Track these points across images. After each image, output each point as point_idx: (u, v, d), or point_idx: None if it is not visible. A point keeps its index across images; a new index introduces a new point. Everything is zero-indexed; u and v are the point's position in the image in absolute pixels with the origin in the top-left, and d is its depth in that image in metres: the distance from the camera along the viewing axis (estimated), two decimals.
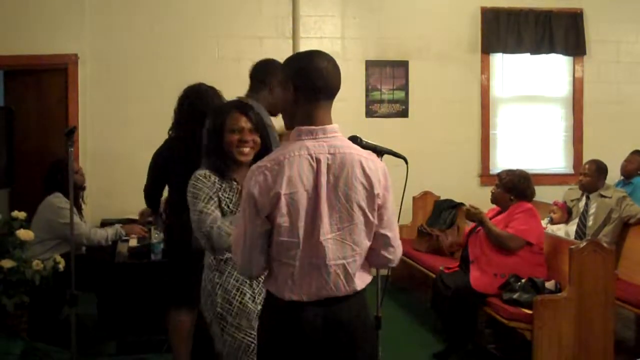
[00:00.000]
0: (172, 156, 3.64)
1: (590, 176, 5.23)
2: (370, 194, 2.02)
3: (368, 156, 2.07)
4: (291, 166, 1.97)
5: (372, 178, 2.02)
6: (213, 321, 2.63)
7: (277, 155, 2.02)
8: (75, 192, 4.75)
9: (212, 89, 3.75)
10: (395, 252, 2.14)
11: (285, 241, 2.00)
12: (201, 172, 2.62)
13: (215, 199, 2.55)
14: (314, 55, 2.09)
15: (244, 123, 2.67)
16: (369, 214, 2.03)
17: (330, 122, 2.06)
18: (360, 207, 2.01)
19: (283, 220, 1.97)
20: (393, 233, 2.12)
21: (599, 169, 5.25)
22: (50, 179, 4.81)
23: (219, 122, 2.69)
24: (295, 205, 1.97)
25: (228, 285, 2.57)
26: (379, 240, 2.10)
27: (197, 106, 3.58)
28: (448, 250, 5.58)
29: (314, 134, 2.02)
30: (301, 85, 2.04)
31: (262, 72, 3.52)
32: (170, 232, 3.78)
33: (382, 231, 2.09)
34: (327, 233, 1.99)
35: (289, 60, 2.13)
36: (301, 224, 1.98)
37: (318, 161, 1.99)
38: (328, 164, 1.99)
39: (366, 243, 2.07)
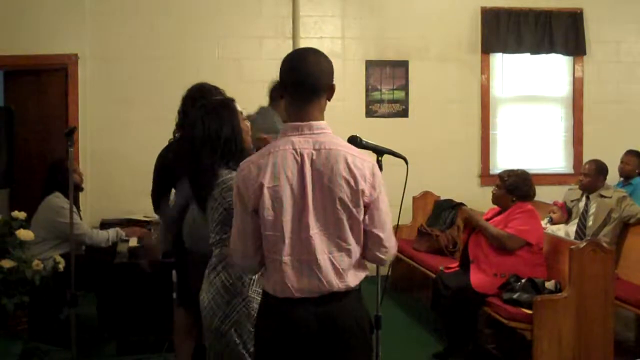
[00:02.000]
0: (178, 158, 3.59)
1: (590, 176, 5.22)
2: (355, 191, 2.02)
3: (356, 154, 2.07)
4: (275, 160, 2.00)
5: (357, 175, 2.02)
6: (244, 319, 2.47)
7: (263, 150, 2.06)
8: (74, 192, 4.77)
9: (215, 88, 3.74)
10: (388, 253, 2.14)
11: (270, 235, 2.02)
12: None
13: None
14: (297, 52, 2.17)
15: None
16: (353, 210, 2.03)
17: (320, 118, 2.08)
18: (343, 202, 2.02)
19: (267, 213, 2.00)
20: (385, 234, 2.11)
21: (599, 169, 5.25)
22: (50, 180, 4.82)
23: (236, 116, 2.64)
24: (279, 198, 1.99)
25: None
26: (371, 239, 2.10)
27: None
28: (447, 249, 5.57)
29: (299, 130, 2.04)
30: (287, 82, 2.09)
31: (276, 88, 3.66)
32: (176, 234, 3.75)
33: (375, 231, 2.09)
34: (313, 227, 2.00)
35: (282, 62, 2.15)
36: (287, 218, 1.99)
37: (302, 156, 2.01)
38: (312, 159, 2.01)
39: (354, 239, 2.06)
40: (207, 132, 2.60)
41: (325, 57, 2.12)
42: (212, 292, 2.54)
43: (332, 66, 2.12)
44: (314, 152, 2.02)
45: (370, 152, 2.48)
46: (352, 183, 2.02)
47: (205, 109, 2.67)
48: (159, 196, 3.73)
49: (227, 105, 2.68)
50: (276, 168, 1.99)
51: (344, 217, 2.03)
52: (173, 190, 3.71)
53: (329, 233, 2.03)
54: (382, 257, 2.12)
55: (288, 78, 2.09)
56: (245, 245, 2.08)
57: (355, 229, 2.06)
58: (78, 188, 4.95)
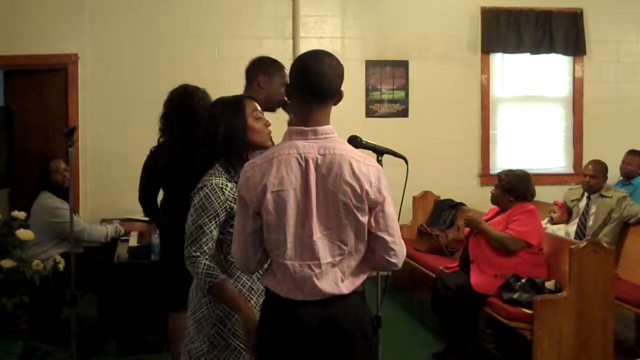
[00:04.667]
0: (166, 163, 3.55)
1: (597, 177, 5.19)
2: (359, 196, 2.00)
3: (361, 159, 2.04)
4: (279, 164, 2.00)
5: (362, 180, 2.00)
6: (204, 321, 2.47)
7: (267, 153, 2.06)
8: (63, 190, 4.72)
9: (198, 88, 3.72)
10: (398, 256, 2.10)
11: (273, 238, 2.03)
12: (218, 182, 2.39)
13: (223, 214, 2.38)
14: (309, 56, 2.09)
15: (260, 108, 2.56)
16: (358, 215, 2.01)
17: (326, 123, 2.06)
18: (347, 207, 2.00)
19: (270, 217, 2.00)
20: (393, 237, 2.08)
21: (604, 170, 5.24)
22: (38, 180, 4.82)
23: (240, 114, 2.48)
24: (282, 203, 1.99)
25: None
26: (379, 243, 2.08)
27: (189, 106, 3.56)
28: (447, 249, 5.57)
29: (303, 135, 2.03)
30: (293, 84, 2.08)
31: (251, 68, 3.56)
32: (165, 234, 3.75)
33: (381, 234, 2.07)
34: (317, 232, 2.00)
35: (295, 64, 2.12)
36: (290, 223, 1.99)
37: (307, 161, 2.00)
38: (317, 164, 2.00)
39: (356, 243, 2.05)
40: (206, 130, 2.51)
41: (338, 60, 2.08)
42: (193, 285, 2.54)
43: (343, 70, 2.09)
44: (318, 156, 2.00)
45: (370, 152, 2.48)
46: (357, 188, 1.99)
47: (211, 108, 2.59)
48: (146, 200, 3.74)
49: (230, 102, 2.54)
50: (280, 172, 1.98)
51: (348, 222, 2.01)
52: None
53: (332, 237, 2.02)
54: (392, 260, 2.09)
55: (296, 80, 2.06)
56: (245, 244, 2.09)
57: (360, 233, 2.04)
58: (59, 188, 4.83)
